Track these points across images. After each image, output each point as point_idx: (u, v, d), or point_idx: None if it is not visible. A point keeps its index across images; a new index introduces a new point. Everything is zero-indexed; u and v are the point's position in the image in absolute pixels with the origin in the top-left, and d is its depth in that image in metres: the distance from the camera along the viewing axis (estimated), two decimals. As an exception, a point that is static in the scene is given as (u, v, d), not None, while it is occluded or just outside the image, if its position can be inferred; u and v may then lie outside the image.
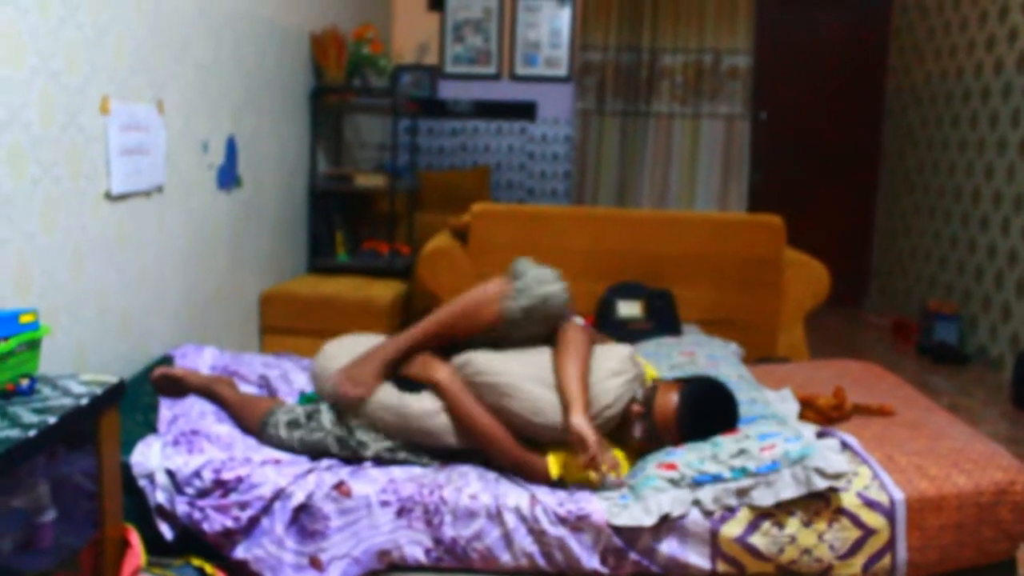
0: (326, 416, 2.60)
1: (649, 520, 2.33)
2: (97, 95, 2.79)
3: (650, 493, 2.37)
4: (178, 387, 2.88)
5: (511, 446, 2.50)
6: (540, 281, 2.51)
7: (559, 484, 2.47)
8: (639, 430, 2.54)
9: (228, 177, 3.97)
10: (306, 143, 5.14)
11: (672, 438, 2.52)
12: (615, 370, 2.52)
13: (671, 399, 2.52)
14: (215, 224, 3.85)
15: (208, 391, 2.86)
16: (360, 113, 6.13)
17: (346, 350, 2.69)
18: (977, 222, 5.92)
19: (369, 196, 5.96)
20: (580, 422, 2.36)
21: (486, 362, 2.51)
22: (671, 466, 2.41)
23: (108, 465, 1.99)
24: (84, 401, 1.85)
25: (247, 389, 3.01)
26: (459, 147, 7.55)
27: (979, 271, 5.86)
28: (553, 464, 2.48)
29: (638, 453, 2.59)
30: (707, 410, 2.55)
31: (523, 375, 2.48)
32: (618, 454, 2.54)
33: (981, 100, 5.93)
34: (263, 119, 4.42)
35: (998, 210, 5.66)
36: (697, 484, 2.37)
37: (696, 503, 2.37)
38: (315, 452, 2.59)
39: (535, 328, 2.56)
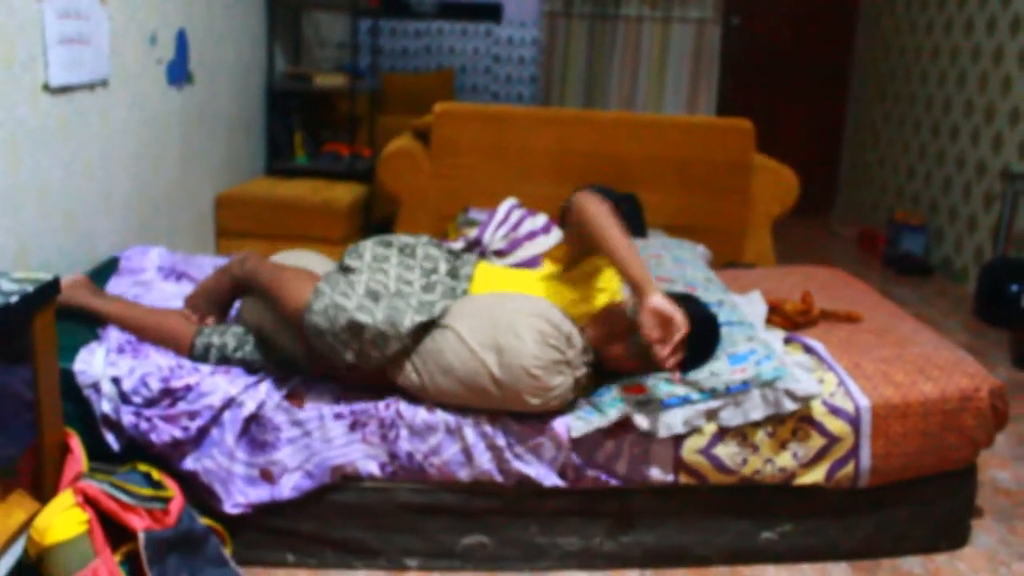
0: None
1: (606, 421, 2.23)
2: (31, -23, 2.61)
3: (614, 414, 2.25)
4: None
5: None
6: (339, 307, 2.18)
7: None
8: (629, 348, 2.28)
9: (179, 73, 3.79)
10: (262, 40, 4.94)
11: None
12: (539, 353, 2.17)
13: None
14: (165, 122, 3.68)
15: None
16: (319, 10, 5.90)
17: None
18: (947, 132, 5.84)
19: (330, 97, 5.78)
20: (659, 300, 2.07)
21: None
22: (639, 388, 2.29)
23: (44, 366, 1.88)
24: (14, 299, 1.74)
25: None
26: (423, 49, 7.33)
27: (947, 182, 5.81)
28: None
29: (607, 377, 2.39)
30: (713, 331, 2.35)
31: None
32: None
33: (957, 6, 5.80)
34: (216, 13, 4.21)
35: (969, 120, 5.58)
36: (665, 407, 2.27)
37: (665, 427, 2.27)
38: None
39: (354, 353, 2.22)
